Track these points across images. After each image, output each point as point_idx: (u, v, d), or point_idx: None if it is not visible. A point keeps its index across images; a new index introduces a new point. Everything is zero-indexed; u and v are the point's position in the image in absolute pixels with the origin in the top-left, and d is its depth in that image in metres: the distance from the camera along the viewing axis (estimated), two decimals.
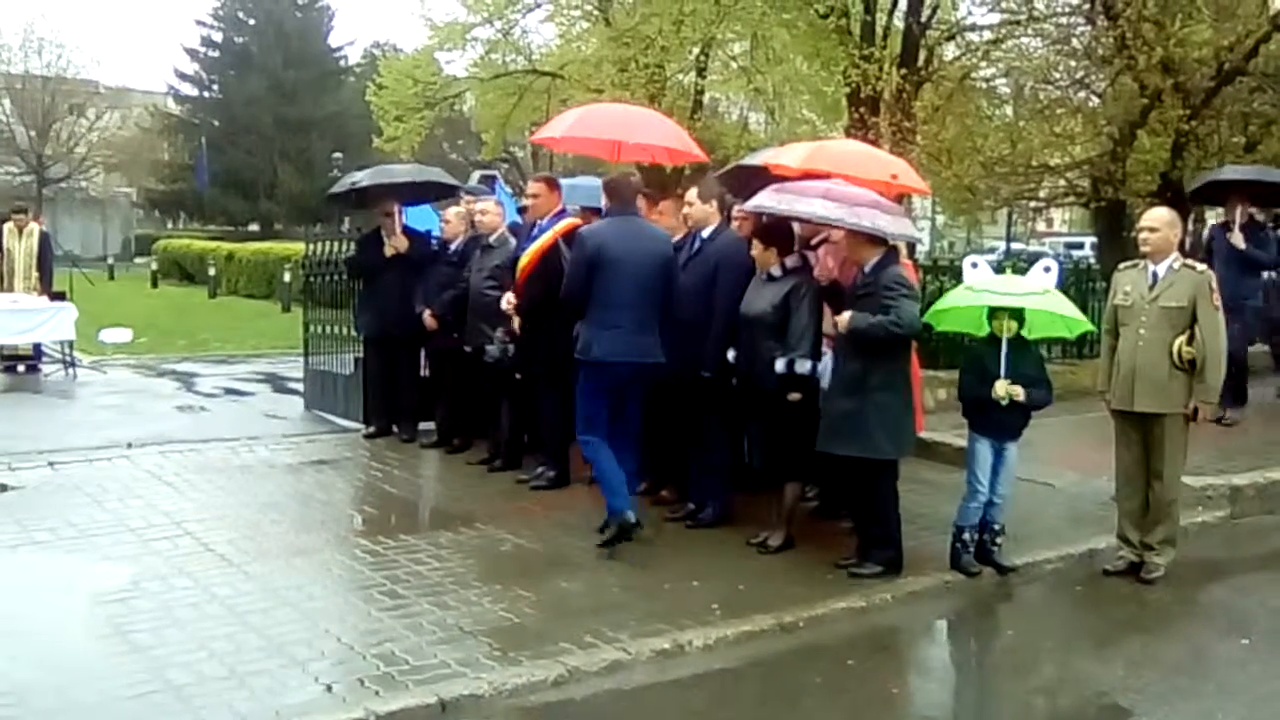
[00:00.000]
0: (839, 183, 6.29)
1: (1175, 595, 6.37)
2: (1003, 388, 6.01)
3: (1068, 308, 6.44)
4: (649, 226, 6.91)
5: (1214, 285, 6.26)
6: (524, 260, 7.74)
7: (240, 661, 4.82)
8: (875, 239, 6.11)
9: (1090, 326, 6.82)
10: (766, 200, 6.32)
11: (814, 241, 6.71)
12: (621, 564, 6.27)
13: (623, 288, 6.46)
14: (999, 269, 6.51)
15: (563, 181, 8.84)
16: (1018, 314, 6.12)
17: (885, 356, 6.07)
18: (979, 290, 6.22)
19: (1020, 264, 8.04)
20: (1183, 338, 6.20)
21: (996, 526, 6.31)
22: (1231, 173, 10.98)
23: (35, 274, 13.15)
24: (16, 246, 13.11)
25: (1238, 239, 10.02)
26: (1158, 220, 6.46)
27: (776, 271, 6.44)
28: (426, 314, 8.83)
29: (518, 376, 8.02)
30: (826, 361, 6.38)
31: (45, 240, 13.50)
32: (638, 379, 6.59)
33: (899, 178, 7.00)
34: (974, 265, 6.40)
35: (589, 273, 6.51)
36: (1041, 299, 6.21)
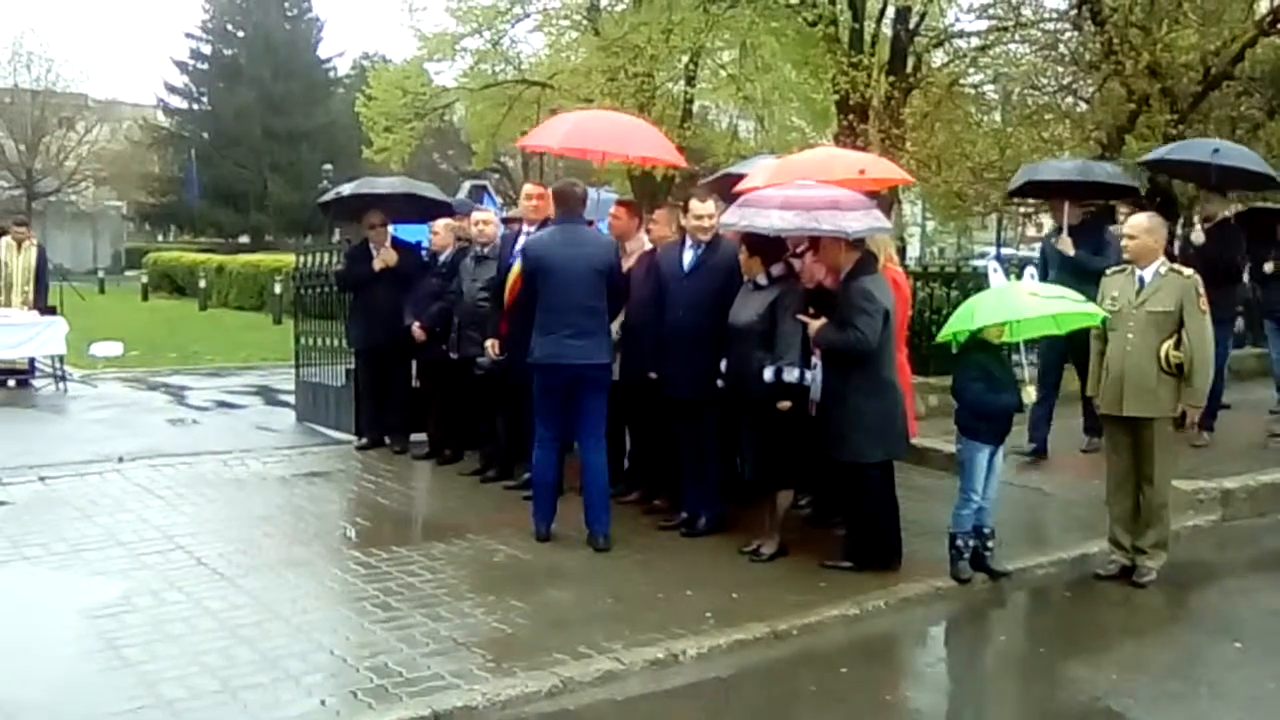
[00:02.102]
0: (806, 184, 6.33)
1: (1167, 599, 6.39)
2: (1031, 390, 6.05)
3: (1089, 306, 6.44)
4: (589, 233, 7.11)
5: (1200, 290, 6.28)
6: (515, 271, 7.75)
7: (233, 675, 4.81)
8: (852, 243, 6.16)
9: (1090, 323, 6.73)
10: (730, 217, 6.51)
11: (800, 249, 6.73)
12: (615, 574, 6.27)
13: (561, 293, 6.70)
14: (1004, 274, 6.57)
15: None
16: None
17: (859, 364, 6.14)
18: (1048, 298, 6.21)
19: (1013, 269, 8.10)
20: (1170, 342, 6.22)
21: (987, 530, 6.33)
22: (1050, 171, 9.65)
23: (31, 288, 13.15)
24: (15, 261, 13.09)
25: (1065, 244, 8.59)
26: (1135, 228, 6.50)
27: (762, 280, 6.45)
28: (415, 326, 8.83)
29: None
30: (818, 370, 6.41)
31: (43, 255, 13.53)
32: (582, 381, 6.73)
33: (867, 171, 7.04)
34: (995, 270, 6.47)
35: (531, 280, 6.87)
36: (1069, 303, 6.28)
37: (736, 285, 6.64)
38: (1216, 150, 9.31)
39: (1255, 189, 10.63)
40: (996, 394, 6.16)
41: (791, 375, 6.23)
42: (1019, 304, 6.20)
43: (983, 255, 40.87)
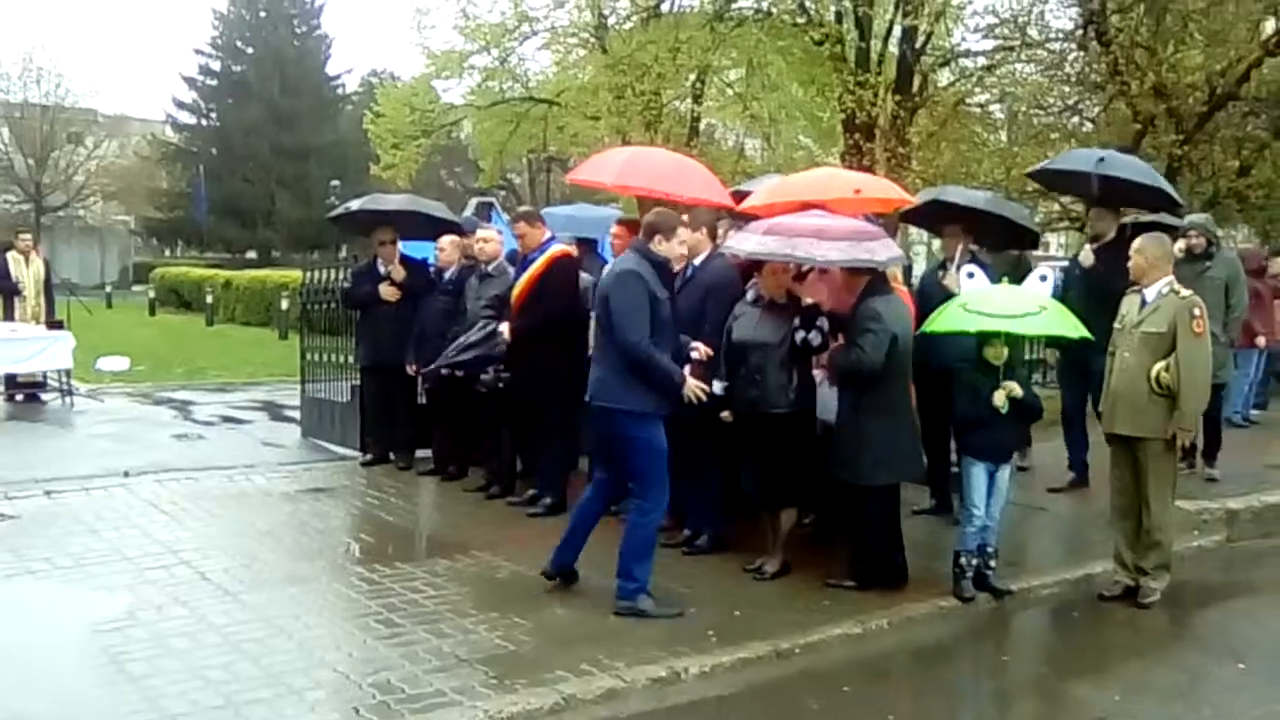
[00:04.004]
0: (817, 214, 6.35)
1: (1171, 620, 6.38)
2: (1001, 395, 6.03)
3: (1067, 323, 6.30)
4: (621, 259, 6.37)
5: (1196, 312, 6.25)
6: (517, 289, 7.81)
7: (236, 691, 4.81)
8: (859, 268, 6.17)
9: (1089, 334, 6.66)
10: (729, 242, 6.61)
11: (803, 269, 6.75)
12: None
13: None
14: (996, 279, 6.50)
15: (562, 210, 8.85)
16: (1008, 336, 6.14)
17: (870, 387, 6.14)
18: (972, 311, 6.16)
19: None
20: (1162, 364, 6.21)
21: (991, 549, 6.32)
22: (947, 195, 8.20)
23: (42, 301, 13.21)
24: (25, 273, 13.15)
25: (951, 281, 7.32)
26: (1132, 247, 6.56)
27: (781, 299, 6.43)
28: (410, 369, 8.97)
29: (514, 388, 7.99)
30: (825, 389, 6.43)
31: (48, 266, 13.61)
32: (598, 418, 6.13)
33: (863, 191, 7.05)
34: (970, 275, 6.40)
35: None
36: (1038, 320, 6.18)
37: (722, 302, 6.66)
38: (1101, 160, 8.35)
39: (1148, 206, 8.94)
40: (970, 406, 6.21)
41: (816, 339, 6.20)
42: (950, 319, 6.26)
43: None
